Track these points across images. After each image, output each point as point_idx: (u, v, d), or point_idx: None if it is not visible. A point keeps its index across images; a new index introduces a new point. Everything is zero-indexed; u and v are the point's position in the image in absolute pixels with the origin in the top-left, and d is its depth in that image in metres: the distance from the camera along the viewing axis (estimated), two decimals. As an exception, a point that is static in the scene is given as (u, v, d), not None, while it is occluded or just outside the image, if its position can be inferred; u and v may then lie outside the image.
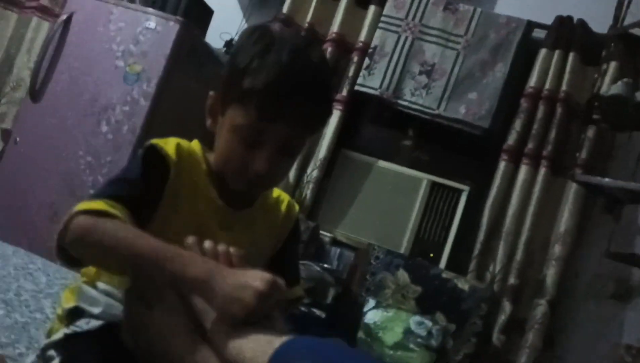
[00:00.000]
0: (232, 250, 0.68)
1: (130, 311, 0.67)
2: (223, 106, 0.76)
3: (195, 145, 0.81)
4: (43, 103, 2.11)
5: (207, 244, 0.67)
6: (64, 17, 2.13)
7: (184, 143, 0.78)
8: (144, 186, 0.71)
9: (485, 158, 2.25)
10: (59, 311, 0.71)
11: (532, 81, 2.13)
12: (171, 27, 2.01)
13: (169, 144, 0.75)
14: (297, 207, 0.91)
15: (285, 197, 0.90)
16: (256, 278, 0.59)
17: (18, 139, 2.11)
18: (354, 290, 2.13)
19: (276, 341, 0.55)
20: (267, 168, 0.72)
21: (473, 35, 2.18)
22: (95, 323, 0.67)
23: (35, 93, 2.12)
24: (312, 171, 2.30)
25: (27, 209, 2.00)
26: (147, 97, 1.99)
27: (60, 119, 2.06)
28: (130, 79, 2.02)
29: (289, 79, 0.70)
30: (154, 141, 0.75)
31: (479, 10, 2.21)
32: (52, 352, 0.64)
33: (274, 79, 0.70)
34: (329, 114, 0.81)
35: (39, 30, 2.58)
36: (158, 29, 2.02)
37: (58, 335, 0.67)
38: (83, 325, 0.66)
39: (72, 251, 0.65)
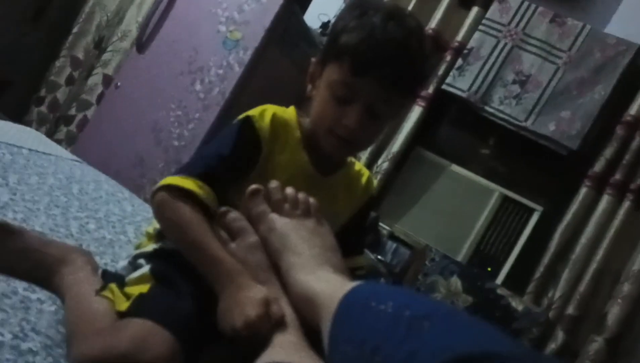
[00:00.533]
0: (311, 200, 0.71)
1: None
2: (322, 67, 0.80)
3: (290, 112, 0.84)
4: (146, 55, 2.26)
5: (289, 189, 0.72)
6: (177, -23, 2.26)
7: (279, 111, 0.82)
8: (234, 163, 0.75)
9: (564, 180, 2.16)
10: (150, 229, 0.78)
11: (633, 109, 2.01)
12: (276, 0, 2.08)
13: (265, 116, 0.79)
14: (375, 182, 0.94)
15: (366, 171, 0.93)
16: (253, 305, 0.59)
17: (119, 84, 2.27)
18: (404, 286, 2.13)
19: (349, 284, 0.57)
20: (356, 124, 0.75)
21: (577, 52, 2.09)
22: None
23: (141, 45, 2.27)
24: (383, 163, 2.31)
25: (117, 148, 2.16)
26: (242, 65, 2.08)
27: (159, 72, 2.20)
28: (229, 45, 2.11)
29: (381, 36, 0.73)
30: (251, 112, 0.79)
31: (588, 27, 2.11)
32: (141, 261, 0.70)
33: (367, 35, 0.74)
34: (419, 80, 0.82)
35: (152, -13, 2.75)
36: (263, 1, 2.10)
37: (148, 249, 0.73)
38: (170, 244, 0.72)
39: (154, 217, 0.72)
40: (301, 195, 0.72)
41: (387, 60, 0.74)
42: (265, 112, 0.80)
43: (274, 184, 0.72)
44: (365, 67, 0.74)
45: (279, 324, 0.59)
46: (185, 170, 0.72)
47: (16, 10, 2.58)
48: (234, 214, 0.70)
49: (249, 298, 0.60)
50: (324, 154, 0.81)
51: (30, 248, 0.72)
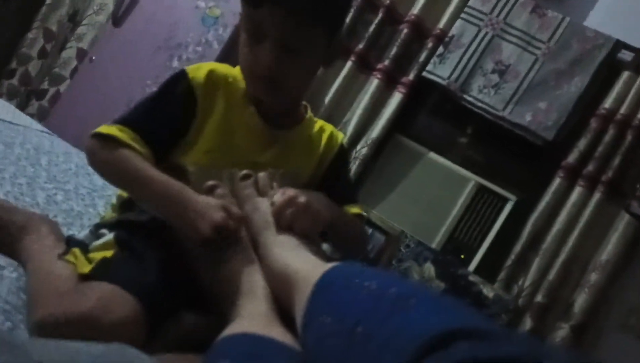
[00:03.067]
0: (267, 173, 0.73)
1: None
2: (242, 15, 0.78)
3: (237, 69, 0.82)
4: (123, 29, 2.20)
5: (260, 174, 0.73)
6: (157, -50, 2.19)
7: (221, 67, 0.80)
8: (163, 113, 0.76)
9: (539, 170, 2.19)
10: (114, 201, 0.76)
11: (608, 102, 2.04)
12: (257, -22, 2.04)
13: (202, 69, 0.78)
14: (340, 135, 0.93)
15: (329, 127, 0.92)
16: (216, 209, 0.62)
17: (94, 58, 2.20)
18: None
19: (328, 264, 0.56)
20: (269, 58, 0.72)
21: (556, 44, 2.11)
22: (145, 216, 0.71)
23: (117, 19, 2.21)
24: (362, 149, 2.30)
25: (90, 123, 2.10)
26: (220, 42, 2.04)
27: (136, 48, 2.14)
28: (208, 22, 2.07)
29: None
30: (188, 67, 0.78)
31: (567, 19, 2.13)
32: (104, 230, 0.68)
33: None
34: (326, 3, 0.74)
35: (131, -39, 2.66)
36: (244, -22, 2.06)
37: (111, 219, 0.71)
38: (134, 216, 0.71)
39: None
40: (290, 190, 0.72)
41: None
42: (202, 66, 0.78)
43: (262, 174, 0.74)
44: None
45: (242, 221, 0.65)
46: (115, 120, 0.75)
47: (-14, -23, 2.48)
48: (250, 181, 0.73)
49: (209, 204, 0.62)
50: (270, 106, 0.79)
51: (-9, 214, 0.69)
